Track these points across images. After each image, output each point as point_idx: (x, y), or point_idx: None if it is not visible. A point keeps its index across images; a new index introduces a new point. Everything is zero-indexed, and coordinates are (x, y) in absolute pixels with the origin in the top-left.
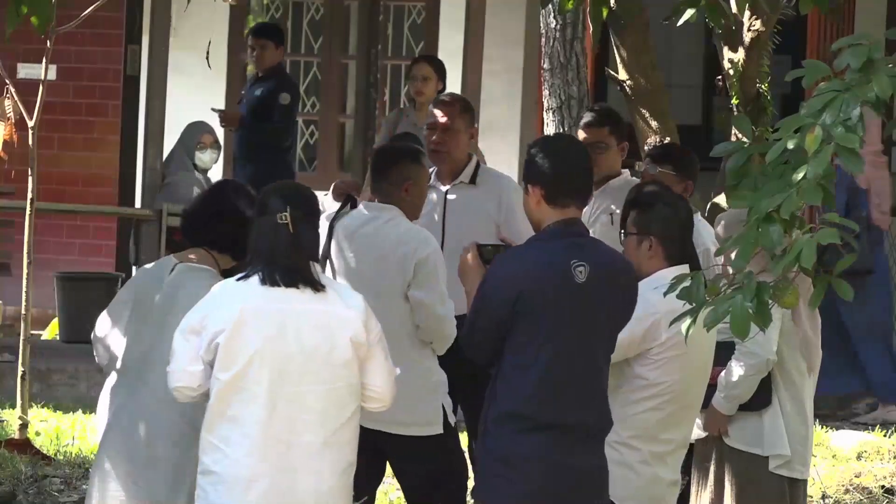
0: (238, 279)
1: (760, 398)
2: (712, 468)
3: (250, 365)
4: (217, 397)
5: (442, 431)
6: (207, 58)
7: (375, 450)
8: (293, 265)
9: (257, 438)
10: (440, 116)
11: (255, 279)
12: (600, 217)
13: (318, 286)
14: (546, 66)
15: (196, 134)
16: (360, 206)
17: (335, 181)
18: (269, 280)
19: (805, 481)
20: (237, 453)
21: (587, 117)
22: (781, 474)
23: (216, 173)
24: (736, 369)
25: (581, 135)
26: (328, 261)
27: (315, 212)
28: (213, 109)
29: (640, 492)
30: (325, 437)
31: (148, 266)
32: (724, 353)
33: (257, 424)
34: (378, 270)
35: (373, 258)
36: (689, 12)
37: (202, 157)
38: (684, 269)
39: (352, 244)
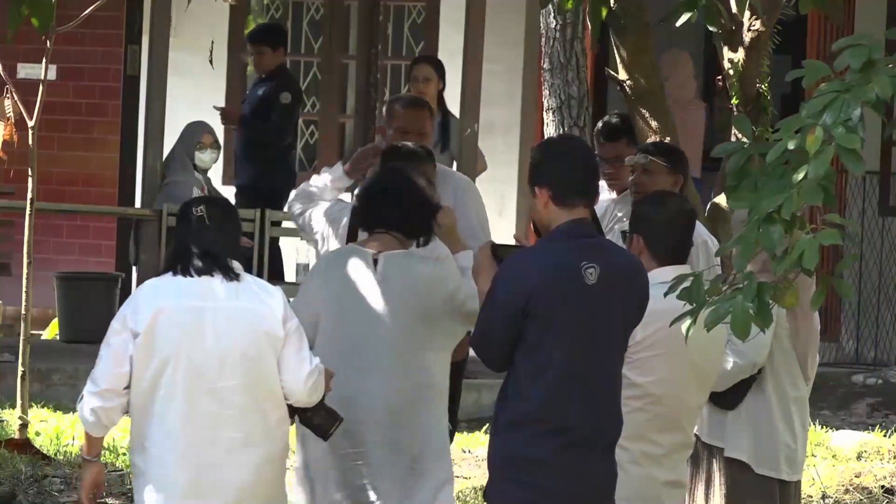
0: (157, 278)
1: (732, 399)
2: (703, 466)
3: (167, 365)
4: (139, 398)
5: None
6: (211, 58)
7: None
8: (210, 251)
9: (179, 436)
10: (414, 121)
11: (169, 275)
12: (615, 228)
13: (231, 274)
14: (546, 66)
15: (196, 134)
16: None
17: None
18: (184, 271)
19: (795, 483)
20: (161, 451)
21: (602, 133)
22: (769, 475)
23: (216, 173)
24: (723, 363)
25: (596, 149)
26: None
27: (230, 217)
28: (215, 107)
29: (631, 492)
30: (246, 431)
31: (331, 261)
32: None
33: (179, 422)
34: None
35: None
36: (687, 15)
37: (202, 156)
38: (675, 270)
39: None
